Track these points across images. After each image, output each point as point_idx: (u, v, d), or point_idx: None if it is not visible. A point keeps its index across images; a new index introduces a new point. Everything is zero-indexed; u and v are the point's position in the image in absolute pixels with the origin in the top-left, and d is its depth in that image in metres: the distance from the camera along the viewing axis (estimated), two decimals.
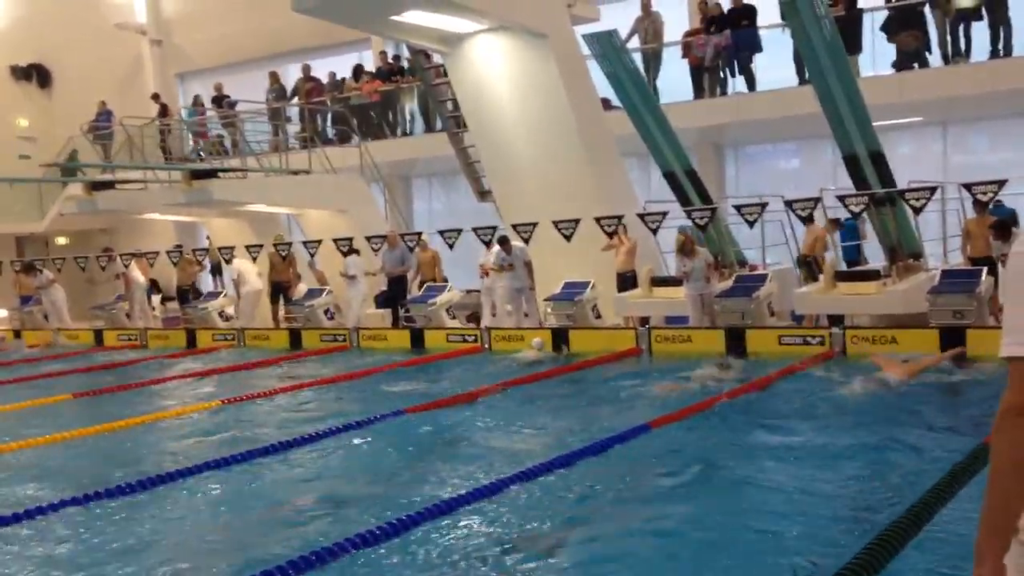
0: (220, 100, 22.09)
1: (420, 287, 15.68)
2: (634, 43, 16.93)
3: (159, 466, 7.35)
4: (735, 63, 16.60)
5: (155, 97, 23.30)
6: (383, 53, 20.67)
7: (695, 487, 6.15)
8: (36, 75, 26.43)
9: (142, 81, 24.87)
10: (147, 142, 19.78)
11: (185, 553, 5.34)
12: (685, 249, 12.40)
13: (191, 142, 22.49)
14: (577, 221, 13.08)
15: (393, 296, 15.86)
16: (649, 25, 17.35)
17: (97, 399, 11.06)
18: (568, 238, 13.19)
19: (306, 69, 21.44)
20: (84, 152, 21.23)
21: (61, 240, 25.09)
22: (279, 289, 16.78)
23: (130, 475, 6.92)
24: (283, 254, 16.34)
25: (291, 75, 22.45)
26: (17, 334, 19.03)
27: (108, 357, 15.82)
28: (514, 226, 13.53)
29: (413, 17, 12.68)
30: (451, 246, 14.31)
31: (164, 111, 22.66)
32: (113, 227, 24.28)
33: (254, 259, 16.56)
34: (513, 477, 6.27)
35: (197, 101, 22.74)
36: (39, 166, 21.08)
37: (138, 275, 18.24)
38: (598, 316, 13.67)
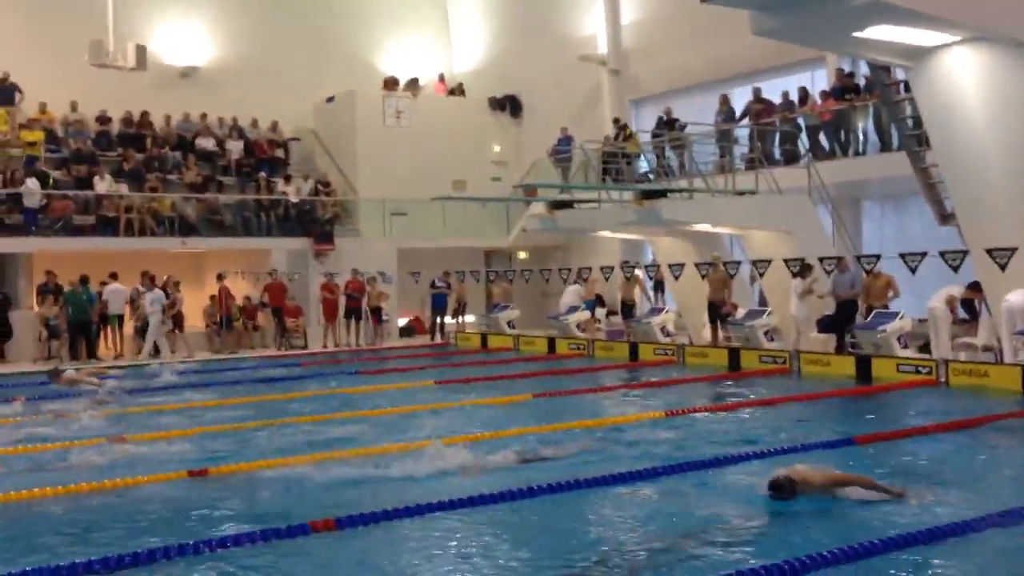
0: (671, 123, 22.85)
1: (868, 313, 14.91)
2: None
3: (600, 468, 7.80)
4: None
5: (616, 121, 24.77)
6: (840, 70, 20.00)
7: None
8: (509, 105, 29.45)
9: (599, 108, 26.54)
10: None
11: (617, 548, 5.70)
12: None
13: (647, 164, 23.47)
14: None
15: (840, 320, 15.24)
16: None
17: (551, 400, 12.03)
18: None
19: (756, 91, 21.46)
20: (546, 173, 23.16)
21: (522, 255, 27.59)
22: (715, 308, 16.93)
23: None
24: (732, 272, 16.55)
25: (740, 97, 22.57)
26: (484, 339, 21.24)
27: (560, 364, 17.12)
28: (988, 251, 12.33)
29: (878, 32, 12.10)
30: (913, 271, 13.40)
31: (618, 135, 23.94)
32: (566, 244, 26.19)
33: (703, 277, 16.93)
34: (970, 523, 5.79)
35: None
36: (511, 187, 23.36)
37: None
38: None
